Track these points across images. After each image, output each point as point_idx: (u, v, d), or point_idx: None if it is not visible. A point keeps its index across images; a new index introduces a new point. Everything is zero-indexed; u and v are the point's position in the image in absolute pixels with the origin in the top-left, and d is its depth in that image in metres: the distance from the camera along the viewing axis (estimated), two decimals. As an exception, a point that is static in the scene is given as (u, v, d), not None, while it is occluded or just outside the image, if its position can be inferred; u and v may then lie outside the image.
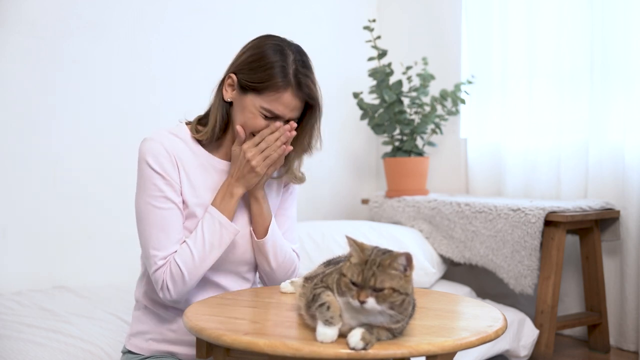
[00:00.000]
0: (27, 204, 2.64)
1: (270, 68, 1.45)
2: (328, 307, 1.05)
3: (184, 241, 1.48)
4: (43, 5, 2.66)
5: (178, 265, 1.44)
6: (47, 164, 2.68)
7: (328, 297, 1.07)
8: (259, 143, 1.47)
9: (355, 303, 1.03)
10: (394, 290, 1.03)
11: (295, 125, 1.49)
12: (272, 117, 1.47)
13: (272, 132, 1.47)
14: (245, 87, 1.47)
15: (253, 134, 1.49)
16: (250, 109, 1.47)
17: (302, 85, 1.47)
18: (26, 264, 2.64)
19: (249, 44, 1.52)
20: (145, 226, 1.46)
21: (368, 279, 1.03)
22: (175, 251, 1.46)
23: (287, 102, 1.46)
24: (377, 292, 1.03)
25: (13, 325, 2.03)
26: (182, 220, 1.49)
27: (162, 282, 1.44)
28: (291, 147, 1.50)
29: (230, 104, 1.53)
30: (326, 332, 1.04)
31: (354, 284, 1.04)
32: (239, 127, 1.49)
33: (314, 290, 1.12)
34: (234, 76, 1.50)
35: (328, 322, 1.04)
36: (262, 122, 1.48)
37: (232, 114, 1.53)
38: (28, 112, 2.65)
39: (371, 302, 1.03)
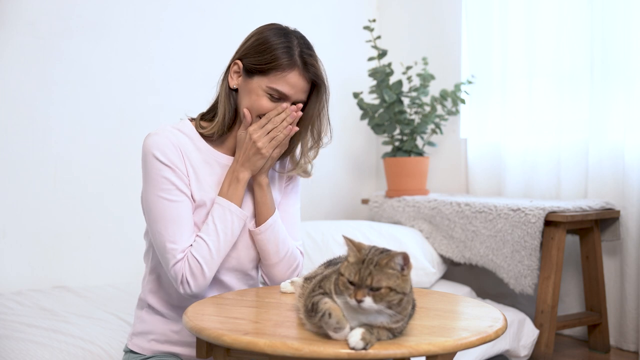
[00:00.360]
0: (27, 204, 2.64)
1: (276, 49, 1.46)
2: (330, 315, 1.05)
3: (198, 235, 1.47)
4: (43, 5, 2.66)
5: (196, 259, 1.43)
6: (47, 164, 2.68)
7: (325, 304, 1.06)
8: (265, 124, 1.48)
9: (353, 302, 1.03)
10: (390, 289, 1.03)
11: (301, 105, 1.50)
12: (279, 97, 1.48)
13: (279, 114, 1.47)
14: (251, 71, 1.48)
15: (260, 117, 1.49)
16: (256, 91, 1.48)
17: (308, 65, 1.48)
18: (26, 264, 2.64)
19: (252, 32, 1.54)
20: (159, 221, 1.45)
21: (365, 278, 1.03)
22: (191, 245, 1.46)
23: (293, 82, 1.47)
24: (374, 291, 1.03)
25: (13, 325, 2.03)
26: (192, 212, 1.49)
27: (181, 276, 1.43)
28: (297, 128, 1.50)
29: (237, 91, 1.53)
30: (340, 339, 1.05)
31: (351, 283, 1.05)
32: (245, 111, 1.49)
33: (312, 297, 1.11)
34: (239, 62, 1.51)
35: (337, 330, 1.04)
36: (268, 103, 1.48)
37: (238, 102, 1.53)
38: (28, 112, 2.65)
39: (368, 301, 1.03)
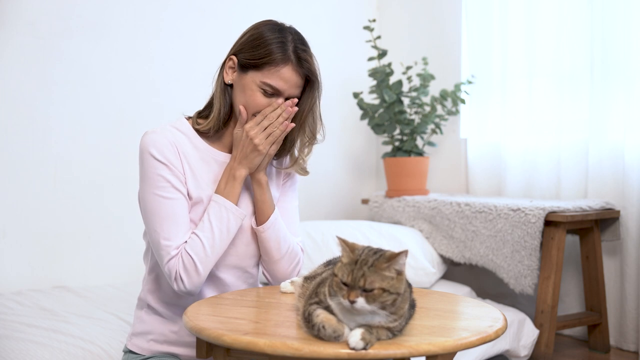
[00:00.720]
0: (27, 204, 2.64)
1: (270, 44, 1.47)
2: (324, 327, 1.05)
3: (193, 232, 1.47)
4: (43, 5, 2.66)
5: (190, 255, 1.44)
6: (47, 164, 2.68)
7: (318, 317, 1.06)
8: (262, 121, 1.48)
9: (346, 303, 1.03)
10: (383, 290, 1.03)
11: (296, 100, 1.50)
12: (272, 93, 1.48)
13: (274, 110, 1.48)
14: (245, 66, 1.49)
15: (255, 115, 1.49)
16: (250, 86, 1.48)
17: (301, 61, 1.48)
18: (26, 264, 2.64)
19: (248, 28, 1.55)
20: (154, 218, 1.45)
21: (358, 279, 1.03)
22: (186, 241, 1.46)
23: (287, 77, 1.47)
24: (367, 292, 1.03)
25: (13, 325, 2.03)
26: (188, 210, 1.49)
27: (175, 272, 1.44)
28: (293, 124, 1.50)
29: (232, 87, 1.53)
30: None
31: (344, 283, 1.04)
32: (241, 107, 1.49)
33: (308, 306, 1.11)
34: (234, 57, 1.51)
35: (337, 338, 1.04)
36: (262, 99, 1.48)
37: (233, 98, 1.53)
38: (28, 112, 2.65)
39: (361, 302, 1.02)
